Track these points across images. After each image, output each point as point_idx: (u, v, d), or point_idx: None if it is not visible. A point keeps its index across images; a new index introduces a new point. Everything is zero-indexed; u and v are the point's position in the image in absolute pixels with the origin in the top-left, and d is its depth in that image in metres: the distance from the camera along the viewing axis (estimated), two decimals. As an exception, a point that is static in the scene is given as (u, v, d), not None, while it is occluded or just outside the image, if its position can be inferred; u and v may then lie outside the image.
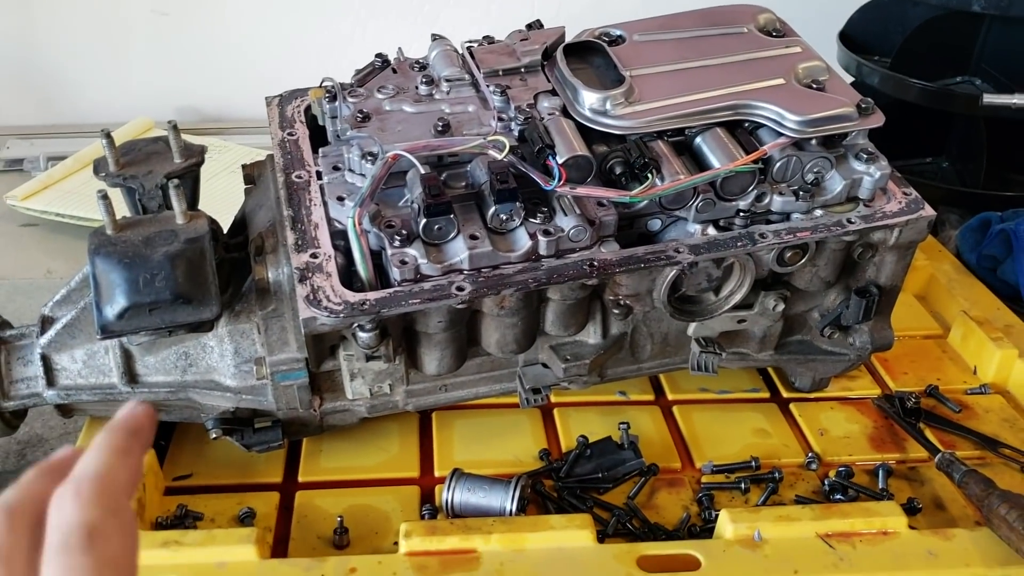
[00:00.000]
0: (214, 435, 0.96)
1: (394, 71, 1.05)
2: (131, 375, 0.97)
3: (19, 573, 0.45)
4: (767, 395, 1.16)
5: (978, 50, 1.61)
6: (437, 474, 1.01)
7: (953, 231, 1.52)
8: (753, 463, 1.03)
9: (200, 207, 1.01)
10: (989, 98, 1.41)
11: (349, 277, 0.89)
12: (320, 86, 1.03)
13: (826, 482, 1.01)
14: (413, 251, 0.87)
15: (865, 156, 0.96)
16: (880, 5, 1.67)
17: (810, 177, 0.96)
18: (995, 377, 1.19)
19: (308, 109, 1.07)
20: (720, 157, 0.92)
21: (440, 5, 1.91)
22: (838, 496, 0.99)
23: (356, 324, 0.85)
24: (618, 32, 1.04)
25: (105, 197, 0.87)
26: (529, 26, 1.09)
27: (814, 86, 0.97)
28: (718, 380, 1.15)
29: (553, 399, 1.12)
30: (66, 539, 0.45)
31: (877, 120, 0.96)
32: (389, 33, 1.88)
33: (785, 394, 1.16)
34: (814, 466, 1.04)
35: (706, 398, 1.15)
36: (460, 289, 0.86)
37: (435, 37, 1.09)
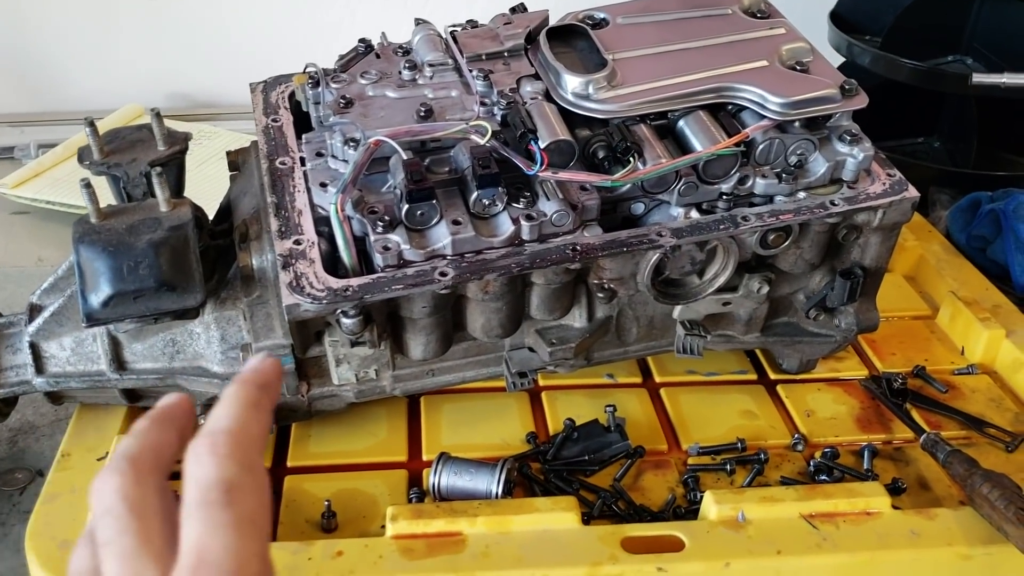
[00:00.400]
0: (203, 421, 0.97)
1: (377, 56, 1.05)
2: (119, 362, 0.97)
3: (154, 524, 0.45)
4: (754, 377, 1.16)
5: (970, 29, 1.61)
6: (425, 458, 1.02)
7: (944, 211, 1.52)
8: (739, 445, 1.03)
9: (190, 193, 1.01)
10: (979, 77, 1.40)
11: (334, 263, 0.89)
12: (303, 72, 1.03)
13: (811, 463, 1.02)
14: (396, 237, 0.87)
15: (849, 138, 0.96)
16: (871, -16, 1.66)
17: (793, 159, 0.96)
18: (982, 357, 1.19)
19: (292, 95, 1.07)
20: (702, 140, 0.92)
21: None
22: (823, 477, 1.00)
23: (340, 310, 0.85)
24: (602, 15, 1.04)
25: (88, 186, 0.88)
26: (513, 10, 1.09)
27: (798, 68, 0.97)
28: (705, 362, 1.15)
29: (541, 382, 1.13)
30: (206, 495, 0.44)
31: (861, 101, 0.96)
32: (380, 17, 1.87)
33: (772, 376, 1.16)
34: (800, 447, 1.04)
35: (693, 380, 1.15)
36: (443, 274, 0.87)
37: (419, 22, 1.09)
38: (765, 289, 1.00)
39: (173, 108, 1.90)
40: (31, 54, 1.89)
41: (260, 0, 1.90)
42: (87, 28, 1.88)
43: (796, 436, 1.05)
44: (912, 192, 0.97)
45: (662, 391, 1.13)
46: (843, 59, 1.63)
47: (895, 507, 0.91)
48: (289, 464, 1.02)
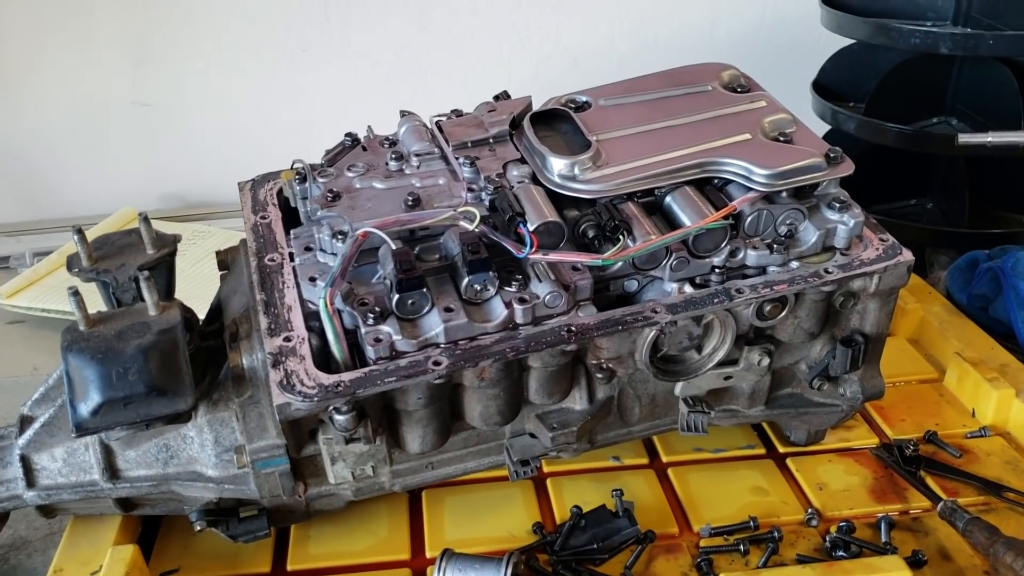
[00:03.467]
0: (198, 527, 0.94)
1: (364, 149, 1.05)
2: (112, 471, 0.95)
3: None
4: (763, 451, 1.14)
5: (952, 90, 1.62)
6: (428, 555, 0.99)
7: (942, 272, 1.51)
8: (752, 523, 1.00)
9: (186, 294, 1.00)
10: (964, 138, 1.41)
11: (327, 358, 0.88)
12: (291, 168, 1.03)
13: (827, 538, 0.98)
14: (388, 328, 0.86)
15: (838, 205, 0.96)
16: (851, 52, 1.68)
17: (783, 229, 0.95)
18: (994, 419, 1.17)
19: (281, 192, 1.07)
20: (690, 215, 0.92)
21: (415, 81, 1.94)
22: (840, 553, 0.97)
23: (332, 407, 0.84)
24: (584, 98, 1.05)
25: (76, 293, 0.87)
26: (496, 97, 1.10)
27: (781, 139, 0.97)
28: (712, 438, 1.13)
29: (545, 469, 1.10)
30: None
31: (847, 168, 0.95)
32: (368, 112, 1.90)
33: (781, 449, 1.14)
34: (814, 522, 1.01)
35: (701, 458, 1.13)
36: (437, 363, 0.85)
37: (403, 113, 1.10)
38: (766, 361, 0.99)
39: (168, 209, 1.92)
40: (24, 163, 1.92)
41: (249, 100, 1.93)
42: (79, 135, 1.91)
43: (810, 511, 1.02)
44: (907, 255, 0.96)
45: (670, 471, 1.10)
46: (829, 127, 1.64)
47: (917, 581, 0.88)
48: (289, 567, 0.99)
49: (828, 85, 1.69)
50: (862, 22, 1.52)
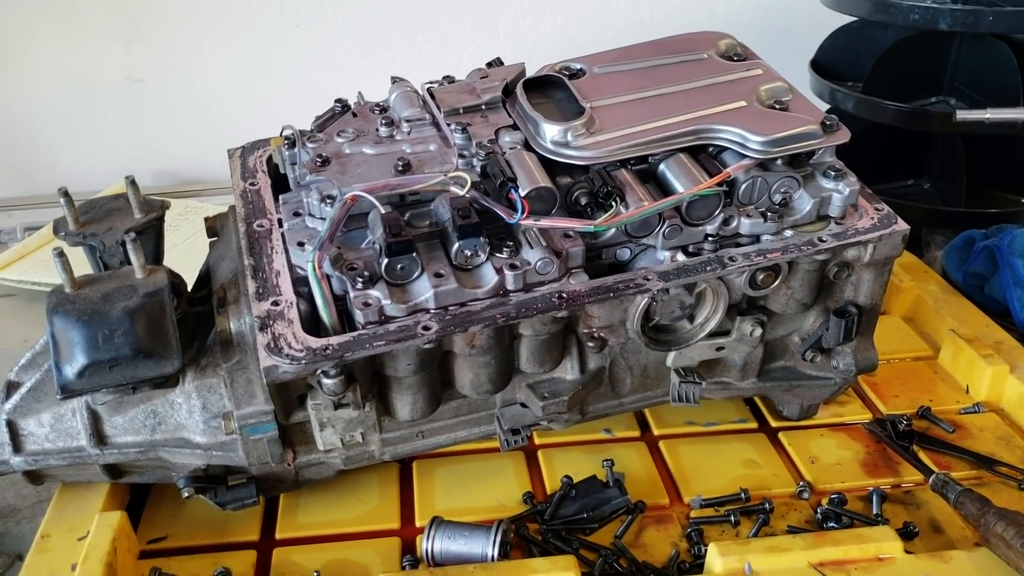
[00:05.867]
0: (186, 494, 0.94)
1: (354, 115, 1.04)
2: (99, 436, 0.94)
3: None
4: (755, 425, 1.13)
5: (951, 69, 1.61)
6: (418, 524, 0.98)
7: (938, 251, 1.50)
8: (743, 495, 1.00)
9: (178, 267, 0.99)
10: (962, 114, 1.40)
11: (316, 324, 0.87)
12: (280, 134, 1.02)
13: (819, 511, 0.98)
14: (376, 292, 0.85)
15: (833, 173, 0.95)
16: (849, 30, 1.67)
17: (777, 197, 0.94)
18: (988, 395, 1.16)
19: (270, 159, 1.06)
20: (684, 182, 0.91)
21: (410, 58, 1.92)
22: (831, 524, 0.96)
23: (320, 370, 0.83)
24: (578, 65, 1.04)
25: (61, 255, 0.86)
26: (489, 64, 1.09)
27: (777, 106, 0.96)
28: (704, 412, 1.12)
29: (537, 440, 1.10)
30: None
31: (843, 136, 0.95)
32: (363, 89, 1.89)
33: (773, 423, 1.13)
34: (806, 495, 1.01)
35: (693, 431, 1.12)
36: (426, 328, 0.84)
37: (395, 79, 1.09)
38: (758, 332, 0.98)
39: (161, 186, 1.91)
40: (17, 137, 1.91)
41: (243, 76, 1.92)
42: (72, 110, 1.90)
43: (801, 484, 1.02)
44: (902, 225, 0.95)
45: (661, 443, 1.10)
46: (827, 105, 1.63)
47: (908, 552, 0.88)
48: (278, 536, 0.98)
49: (827, 64, 1.68)
50: (861, -1, 1.51)
